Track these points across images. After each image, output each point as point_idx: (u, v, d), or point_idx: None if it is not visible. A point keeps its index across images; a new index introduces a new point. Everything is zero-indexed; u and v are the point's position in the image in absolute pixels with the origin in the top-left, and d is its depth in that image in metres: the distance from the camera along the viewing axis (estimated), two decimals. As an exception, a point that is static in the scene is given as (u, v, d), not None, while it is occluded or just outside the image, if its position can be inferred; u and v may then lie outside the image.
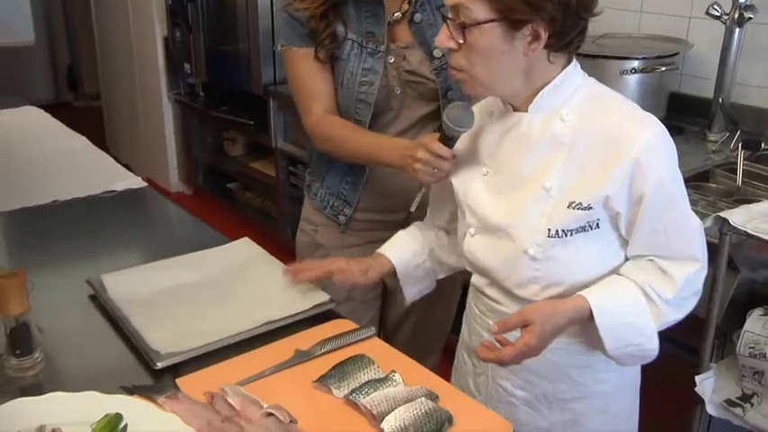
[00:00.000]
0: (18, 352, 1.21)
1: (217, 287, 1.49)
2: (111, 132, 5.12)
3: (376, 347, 1.30)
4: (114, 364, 1.28)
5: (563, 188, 1.19)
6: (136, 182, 2.10)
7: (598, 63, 2.22)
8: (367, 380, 1.18)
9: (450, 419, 1.09)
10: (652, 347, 1.22)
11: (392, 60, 1.61)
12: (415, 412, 1.09)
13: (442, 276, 1.51)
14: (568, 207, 1.19)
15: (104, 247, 1.76)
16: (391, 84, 1.62)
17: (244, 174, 4.03)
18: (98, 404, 1.09)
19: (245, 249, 1.65)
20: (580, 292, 1.19)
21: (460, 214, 1.35)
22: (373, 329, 1.34)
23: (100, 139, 3.33)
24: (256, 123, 3.60)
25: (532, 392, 1.31)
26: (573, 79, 1.21)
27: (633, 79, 2.25)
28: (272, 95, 3.42)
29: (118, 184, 2.07)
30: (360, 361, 1.23)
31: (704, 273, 1.23)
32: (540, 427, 1.33)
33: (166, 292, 1.46)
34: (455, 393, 1.19)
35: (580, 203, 1.18)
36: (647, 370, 1.37)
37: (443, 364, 1.86)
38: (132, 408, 1.09)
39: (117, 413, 1.07)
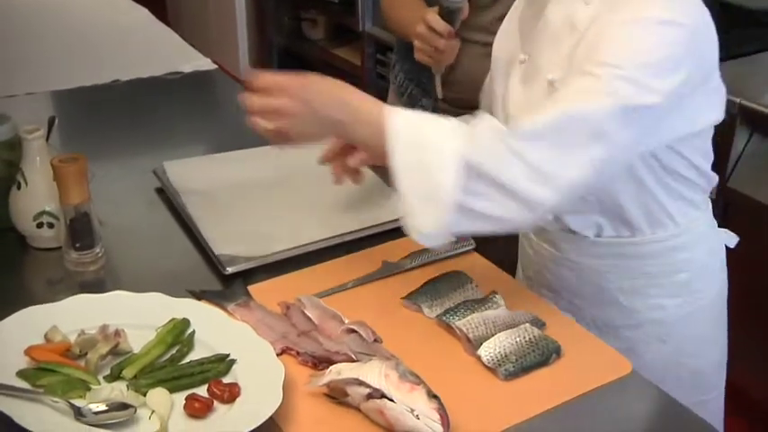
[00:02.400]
0: (78, 245, 1.27)
1: (294, 187, 1.51)
2: (174, 7, 5.17)
3: (475, 264, 1.31)
4: (180, 265, 1.33)
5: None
6: (205, 63, 2.13)
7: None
8: (463, 300, 1.19)
9: (557, 351, 1.10)
10: (442, 184, 1.02)
11: None
12: (517, 339, 1.10)
13: None
14: None
15: (169, 134, 1.81)
16: None
17: (324, 61, 4.03)
18: (164, 307, 1.14)
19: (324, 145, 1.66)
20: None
21: (493, 100, 1.35)
22: (473, 242, 1.34)
23: (161, 15, 3.37)
24: (341, 2, 3.57)
25: (581, 317, 1.32)
26: None
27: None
28: (359, -32, 3.37)
29: (185, 64, 2.11)
30: (456, 278, 1.24)
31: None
32: None
33: (237, 188, 1.49)
34: (565, 321, 1.19)
35: None
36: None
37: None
38: (200, 313, 1.14)
39: (184, 318, 1.12)
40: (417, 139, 1.06)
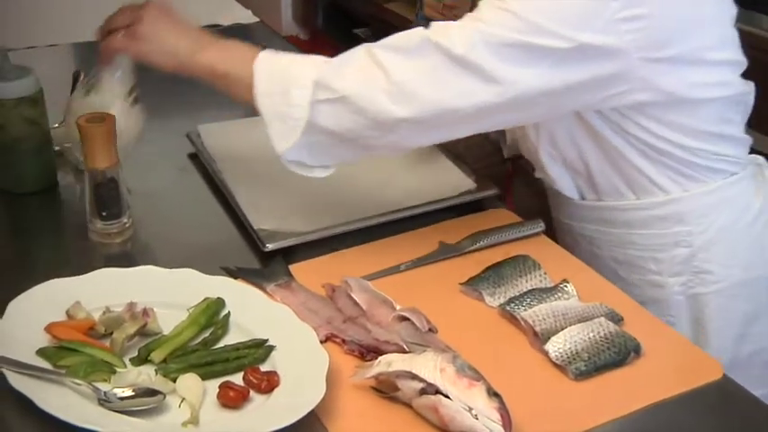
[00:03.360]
0: (104, 214, 1.29)
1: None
2: (212, -47, 5.20)
3: (544, 248, 1.30)
4: (215, 239, 1.35)
5: None
6: (245, 16, 2.14)
7: None
8: (530, 288, 1.19)
9: (636, 349, 1.09)
10: (295, 104, 1.18)
11: None
12: (591, 335, 1.09)
13: None
14: None
15: (204, 94, 1.81)
16: None
17: (376, 17, 4.02)
18: (196, 285, 1.15)
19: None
20: None
21: None
22: (542, 224, 1.34)
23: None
24: (396, -50, 3.56)
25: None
26: None
27: None
28: None
29: (223, 17, 2.12)
30: (522, 263, 1.23)
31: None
32: None
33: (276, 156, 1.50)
34: (646, 317, 1.18)
35: None
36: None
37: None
38: (236, 293, 1.15)
39: (218, 298, 1.13)
40: (279, 67, 1.21)
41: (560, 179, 1.36)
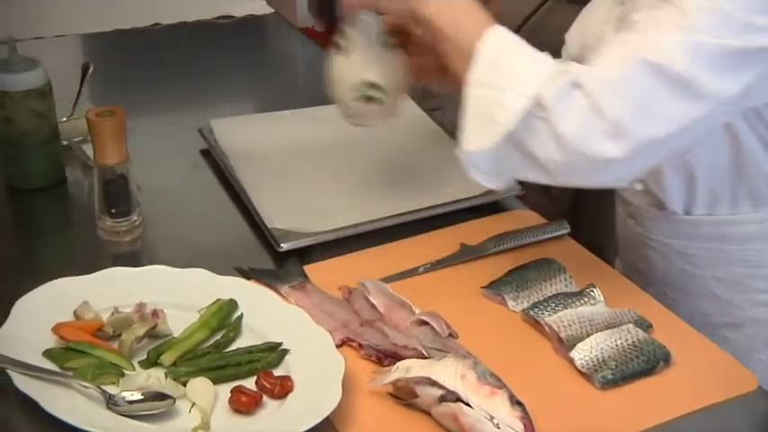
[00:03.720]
0: (113, 211, 1.30)
1: (360, 153, 1.52)
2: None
3: (569, 251, 1.30)
4: (227, 238, 1.35)
5: None
6: (259, 6, 2.14)
7: None
8: (555, 293, 1.19)
9: (666, 358, 1.08)
10: (506, 108, 1.08)
11: None
12: (618, 342, 1.09)
13: None
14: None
15: (217, 88, 1.84)
16: None
17: (394, 8, 4.02)
18: (208, 285, 1.16)
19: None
20: None
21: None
22: (567, 226, 1.34)
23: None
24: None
25: (674, 310, 1.29)
26: None
27: None
28: None
29: (236, 7, 2.12)
30: (547, 267, 1.23)
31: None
32: None
33: (295, 153, 1.51)
34: (676, 324, 1.18)
35: None
36: None
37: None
38: (249, 295, 1.16)
39: (231, 299, 1.13)
40: (503, 58, 1.11)
41: (671, 191, 1.27)
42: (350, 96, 1.29)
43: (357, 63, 1.28)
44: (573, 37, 1.43)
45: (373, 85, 1.28)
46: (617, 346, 1.09)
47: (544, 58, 1.11)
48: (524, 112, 1.06)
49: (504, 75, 1.10)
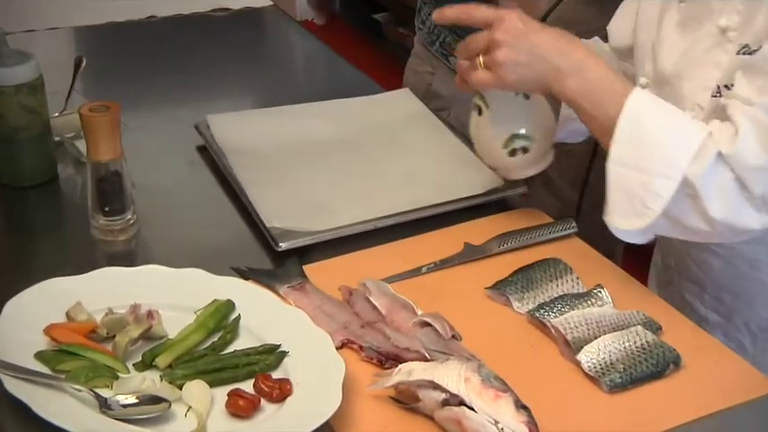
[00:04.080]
0: (107, 209, 1.30)
1: (361, 150, 1.53)
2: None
3: (576, 250, 1.31)
4: (224, 237, 1.36)
5: (744, 30, 1.16)
6: (258, -1, 2.15)
7: None
8: (561, 294, 1.19)
9: (676, 361, 1.09)
10: (654, 193, 1.14)
11: None
12: (626, 345, 1.09)
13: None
14: (738, 53, 1.17)
15: (214, 82, 1.84)
16: None
17: (397, 1, 4.03)
18: (204, 286, 1.16)
19: (399, 103, 1.67)
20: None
21: (637, 55, 1.35)
22: (574, 225, 1.34)
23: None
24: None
25: (729, 318, 1.31)
26: None
27: None
28: None
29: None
30: (553, 267, 1.24)
31: None
32: None
33: (294, 149, 1.52)
34: (686, 325, 1.18)
35: (747, 46, 1.16)
36: None
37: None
38: (247, 295, 1.16)
39: (228, 300, 1.14)
40: (646, 134, 1.15)
41: None
42: (502, 154, 1.34)
43: (500, 119, 1.32)
44: (619, 30, 1.45)
45: (521, 137, 1.32)
46: (625, 348, 1.09)
47: (685, 126, 1.15)
48: (675, 194, 1.12)
49: (649, 156, 1.14)
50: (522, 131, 1.32)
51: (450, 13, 1.27)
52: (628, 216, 1.17)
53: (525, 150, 1.33)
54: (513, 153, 1.33)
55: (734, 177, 1.11)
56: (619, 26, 1.44)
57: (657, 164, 1.13)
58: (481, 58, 1.24)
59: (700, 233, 1.16)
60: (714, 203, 1.12)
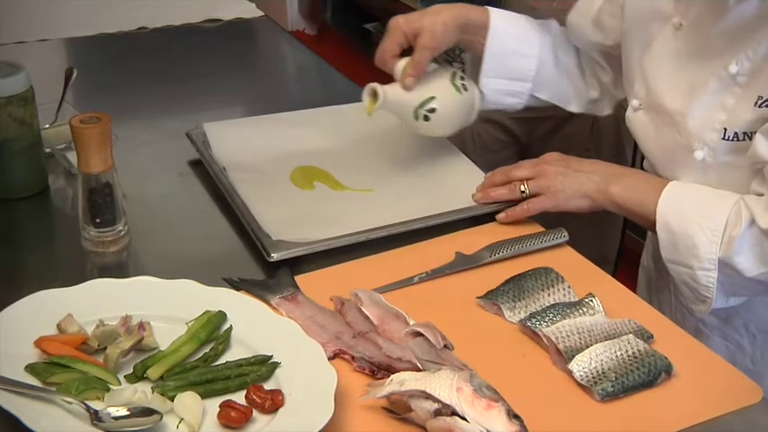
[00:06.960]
0: (98, 221, 1.30)
1: (354, 160, 1.53)
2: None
3: (568, 260, 1.31)
4: (216, 247, 1.36)
5: (755, 76, 1.18)
6: (248, 9, 2.15)
7: None
8: (553, 302, 1.19)
9: (667, 369, 1.09)
10: (703, 285, 1.23)
11: None
12: (618, 354, 1.09)
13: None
14: (756, 104, 1.19)
15: (205, 92, 1.84)
16: None
17: (387, 10, 4.02)
18: (196, 297, 1.16)
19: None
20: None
21: (625, 74, 1.39)
22: (565, 234, 1.34)
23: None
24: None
25: (728, 320, 1.32)
26: None
27: None
28: None
29: (224, 10, 2.13)
30: (544, 276, 1.24)
31: None
32: (743, 366, 1.31)
33: (285, 159, 1.52)
34: (678, 334, 1.19)
35: (761, 98, 1.18)
36: None
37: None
38: (238, 306, 1.16)
39: (220, 311, 1.13)
40: (679, 233, 1.24)
41: None
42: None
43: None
44: (579, 26, 1.49)
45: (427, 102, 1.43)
46: (617, 357, 1.09)
47: (708, 217, 1.22)
48: (718, 278, 1.21)
49: (685, 253, 1.24)
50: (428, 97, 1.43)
51: (495, 195, 1.40)
52: (696, 303, 1.26)
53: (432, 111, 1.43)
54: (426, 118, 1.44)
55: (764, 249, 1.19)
56: (577, 22, 1.50)
57: (692, 261, 1.23)
58: (527, 185, 1.37)
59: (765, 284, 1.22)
60: (751, 267, 1.20)
